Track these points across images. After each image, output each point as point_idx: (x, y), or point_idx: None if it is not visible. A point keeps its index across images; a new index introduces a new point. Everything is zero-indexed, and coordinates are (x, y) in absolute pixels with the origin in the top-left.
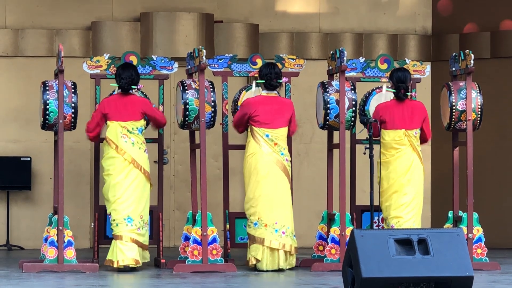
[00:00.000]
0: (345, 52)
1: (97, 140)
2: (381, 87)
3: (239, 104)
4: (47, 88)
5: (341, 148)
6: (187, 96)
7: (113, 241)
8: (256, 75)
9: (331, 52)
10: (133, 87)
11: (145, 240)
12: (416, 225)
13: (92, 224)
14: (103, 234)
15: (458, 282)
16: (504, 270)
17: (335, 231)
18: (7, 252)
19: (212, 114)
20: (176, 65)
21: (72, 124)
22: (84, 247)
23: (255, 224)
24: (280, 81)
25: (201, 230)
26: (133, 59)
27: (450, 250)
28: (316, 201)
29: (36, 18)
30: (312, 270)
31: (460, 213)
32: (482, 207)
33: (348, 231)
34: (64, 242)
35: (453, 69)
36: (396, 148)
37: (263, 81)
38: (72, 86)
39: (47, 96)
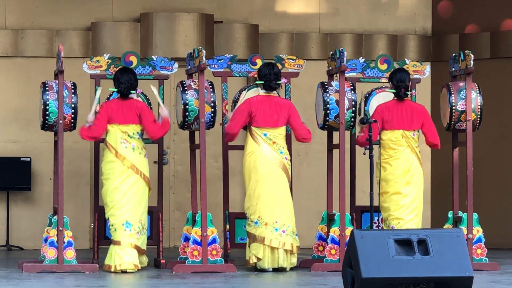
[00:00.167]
0: (345, 53)
1: (99, 138)
2: (382, 88)
3: (239, 104)
4: (47, 88)
5: (341, 148)
6: (187, 96)
7: (111, 246)
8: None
9: (331, 52)
10: (132, 91)
11: (142, 244)
12: (417, 227)
13: (92, 224)
14: (103, 234)
15: (458, 282)
16: (503, 270)
17: (335, 231)
18: (7, 253)
19: (212, 114)
20: (176, 65)
21: (72, 124)
22: (84, 247)
23: (256, 222)
24: (279, 82)
25: (201, 230)
26: (133, 60)
27: (450, 250)
28: (316, 202)
29: (36, 19)
30: (312, 270)
31: (460, 213)
32: (482, 207)
33: (348, 232)
34: (64, 242)
35: (453, 69)
36: (394, 148)
37: (262, 82)
38: (72, 87)
39: (47, 97)
